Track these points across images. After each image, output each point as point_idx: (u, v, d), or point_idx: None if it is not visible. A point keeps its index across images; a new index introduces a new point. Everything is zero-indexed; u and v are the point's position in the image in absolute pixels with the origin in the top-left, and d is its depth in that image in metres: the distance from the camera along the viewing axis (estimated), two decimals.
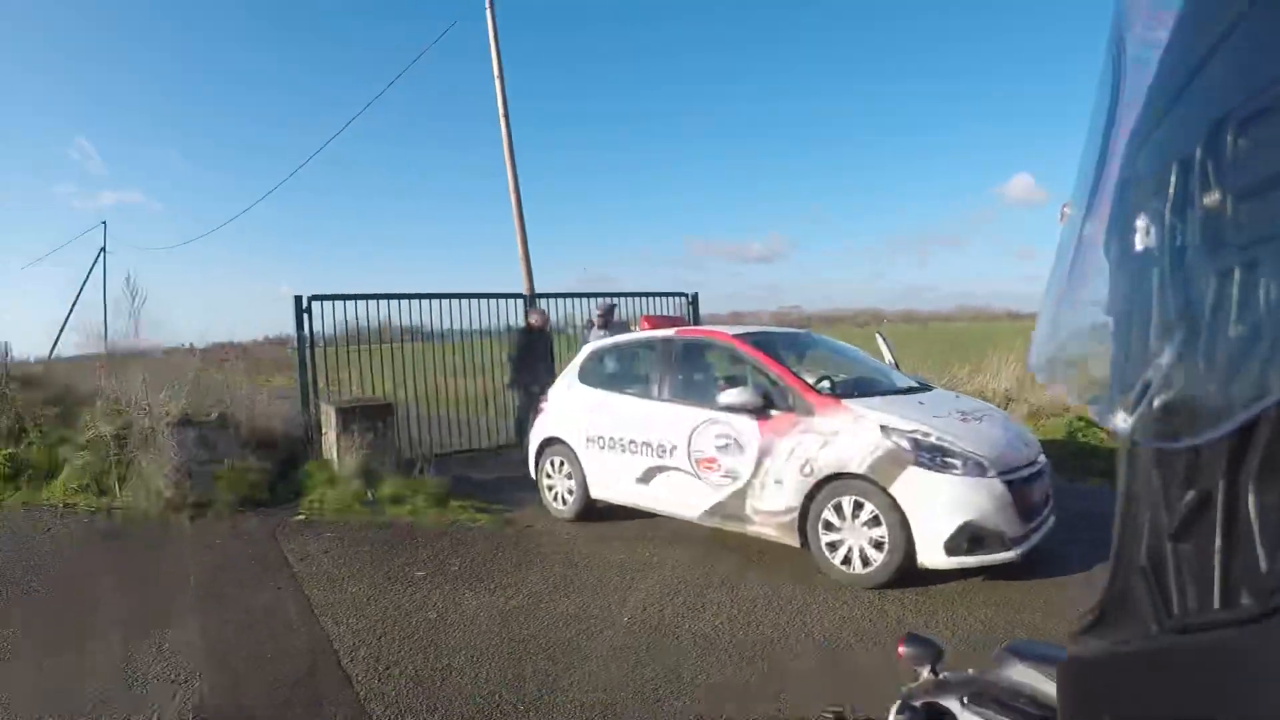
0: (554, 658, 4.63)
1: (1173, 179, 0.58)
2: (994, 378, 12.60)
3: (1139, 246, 0.61)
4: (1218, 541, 0.56)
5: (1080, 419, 11.01)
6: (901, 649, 2.22)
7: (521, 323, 11.55)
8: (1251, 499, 0.53)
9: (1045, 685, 1.78)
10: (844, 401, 6.08)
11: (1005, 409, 9.50)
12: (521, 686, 4.26)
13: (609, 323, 10.33)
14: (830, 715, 2.34)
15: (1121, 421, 0.60)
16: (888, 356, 8.35)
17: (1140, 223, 0.61)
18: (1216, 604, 0.56)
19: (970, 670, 2.20)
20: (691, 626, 5.09)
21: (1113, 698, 0.65)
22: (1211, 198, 0.54)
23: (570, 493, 7.77)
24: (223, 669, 4.50)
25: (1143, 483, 0.64)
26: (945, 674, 2.18)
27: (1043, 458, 6.27)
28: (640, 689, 4.25)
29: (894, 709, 2.07)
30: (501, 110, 13.82)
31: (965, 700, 1.98)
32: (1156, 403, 0.57)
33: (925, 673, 2.15)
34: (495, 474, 9.89)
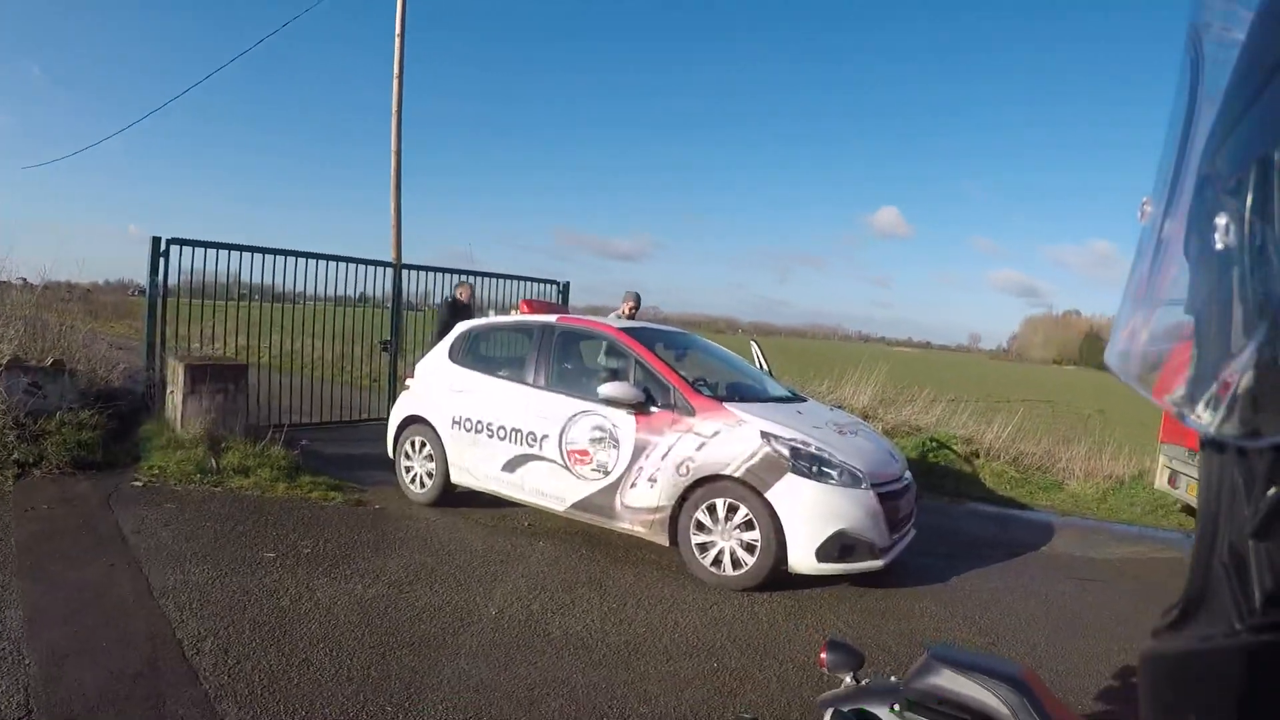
0: (420, 653, 4.38)
1: (1252, 178, 0.58)
2: (851, 395, 12.97)
3: (1219, 245, 0.61)
4: None
5: (932, 440, 11.48)
6: (824, 655, 2.26)
7: (447, 301, 10.95)
8: None
9: (972, 690, 1.91)
10: (725, 405, 6.06)
11: None
12: (387, 685, 4.00)
13: (635, 314, 9.94)
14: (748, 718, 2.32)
15: (1203, 419, 0.60)
16: (762, 364, 8.41)
17: (1220, 221, 0.61)
18: None
19: (893, 678, 2.21)
20: (562, 623, 4.96)
21: (1195, 693, 0.68)
22: None
23: (430, 476, 7.48)
24: (50, 659, 4.00)
25: (1224, 480, 0.65)
26: (868, 681, 2.21)
27: (909, 474, 6.48)
28: (514, 689, 4.07)
29: (827, 716, 2.08)
30: (397, 67, 13.21)
31: (895, 708, 2.02)
32: (1238, 400, 0.57)
33: (847, 679, 2.21)
34: (350, 449, 9.43)
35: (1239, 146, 0.61)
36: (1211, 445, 0.67)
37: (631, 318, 10.15)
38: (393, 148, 13.18)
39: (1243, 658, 0.62)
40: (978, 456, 11.52)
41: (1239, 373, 0.57)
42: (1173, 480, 9.43)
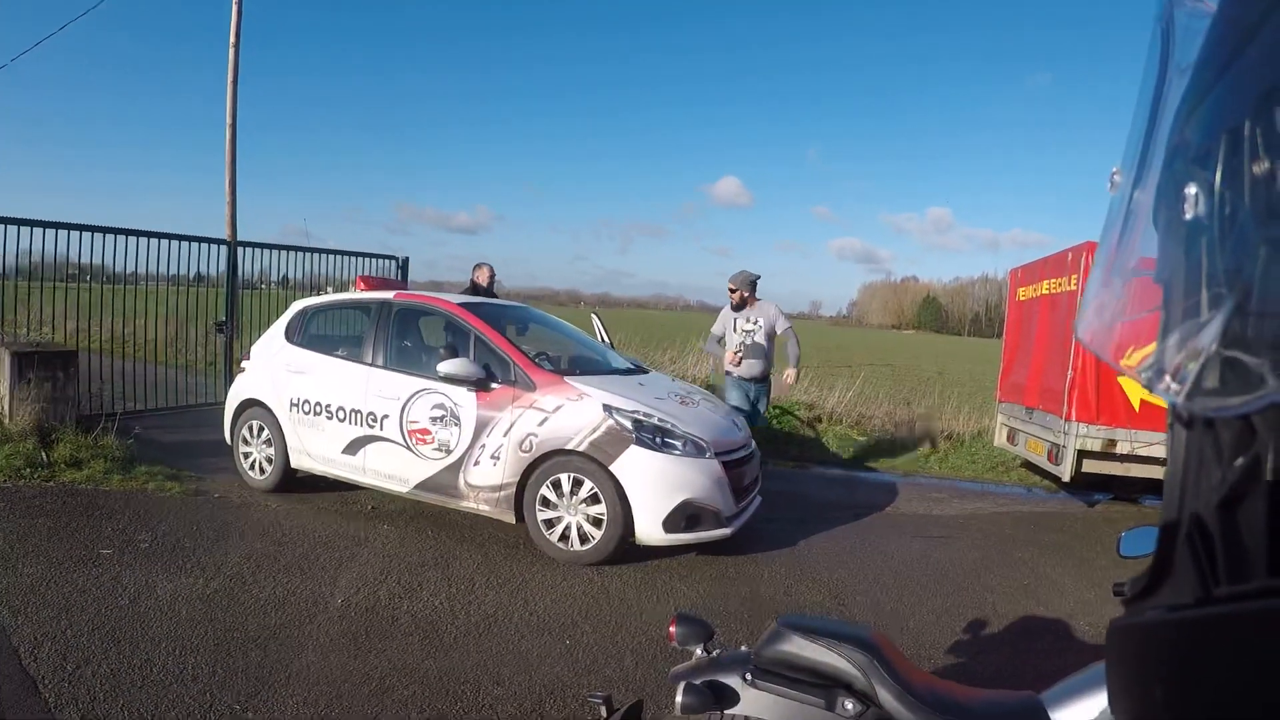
0: (266, 648, 4.16)
1: (1222, 148, 0.58)
2: (694, 365, 13.09)
3: (1189, 215, 0.62)
4: (1265, 509, 0.56)
5: (777, 408, 11.66)
6: (672, 629, 2.21)
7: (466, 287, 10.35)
8: None
9: (821, 655, 1.96)
10: (566, 379, 5.97)
11: None
12: (234, 683, 3.77)
13: (744, 303, 8.51)
14: (599, 701, 2.27)
15: (1171, 389, 0.60)
16: (603, 337, 8.38)
17: (1190, 191, 0.62)
18: (1263, 572, 0.56)
19: (744, 647, 2.18)
20: (410, 608, 4.81)
21: (1160, 663, 0.68)
22: (1261, 167, 0.55)
23: (269, 461, 7.15)
24: None
25: (1191, 450, 0.66)
26: (719, 652, 2.17)
27: (753, 442, 6.54)
28: (365, 678, 3.93)
29: (680, 690, 2.00)
30: (234, 34, 12.53)
31: (747, 677, 1.99)
32: (1206, 370, 0.57)
33: (698, 652, 2.17)
34: (187, 436, 8.96)
35: (1209, 116, 0.62)
36: (1179, 415, 0.68)
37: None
38: (228, 120, 12.57)
39: (1208, 628, 0.62)
40: (821, 421, 11.77)
41: (1207, 342, 0.57)
42: (1011, 437, 9.83)
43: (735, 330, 8.39)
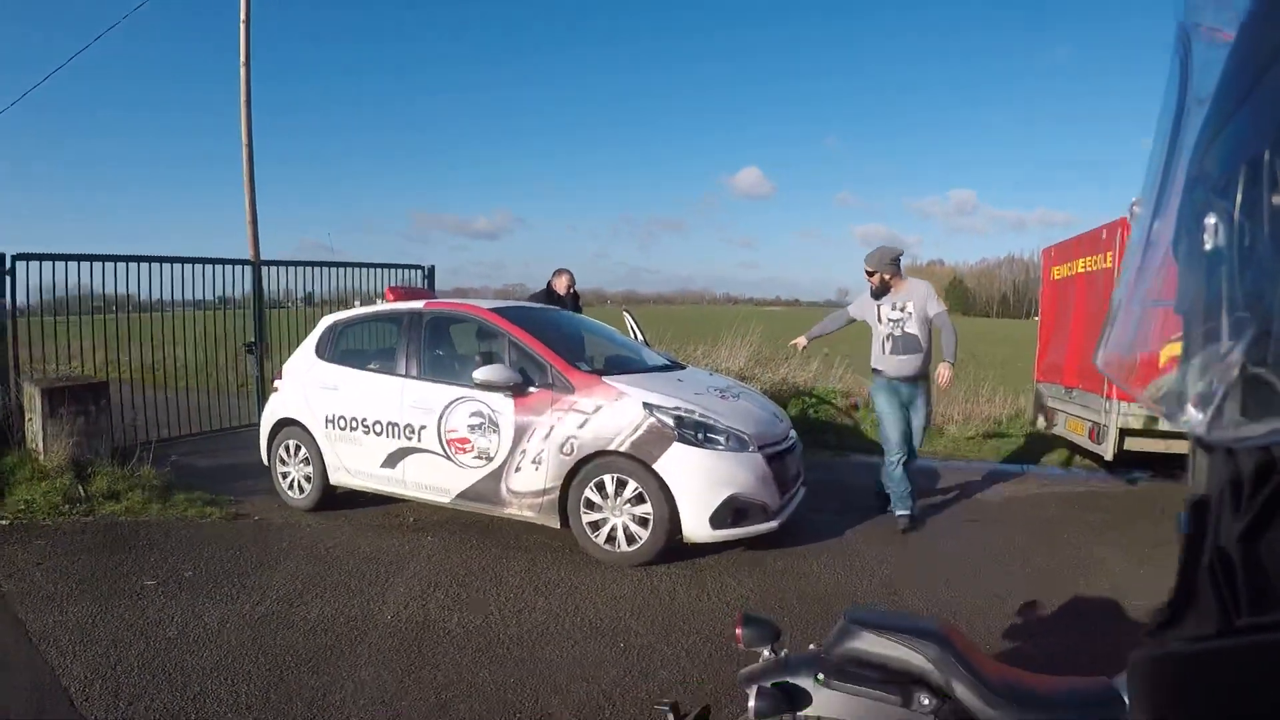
0: (319, 669, 4.12)
1: (1241, 178, 0.58)
2: (727, 358, 12.98)
3: (1208, 245, 0.61)
4: None
5: (813, 396, 11.58)
6: (739, 631, 2.15)
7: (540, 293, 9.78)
8: None
9: (894, 650, 1.92)
10: (604, 379, 5.93)
11: None
12: (289, 708, 3.74)
13: (887, 286, 6.96)
14: (665, 708, 2.23)
15: (1192, 420, 0.60)
16: (637, 335, 8.31)
17: (1209, 221, 0.61)
18: None
19: (812, 646, 2.13)
20: (461, 620, 4.76)
21: (1183, 694, 0.67)
22: None
23: (308, 480, 7.12)
24: None
25: (1213, 481, 0.65)
26: (786, 652, 2.12)
27: (794, 432, 6.50)
28: (421, 695, 3.88)
29: (752, 694, 1.97)
30: (243, 52, 12.58)
31: (820, 677, 1.96)
32: (1227, 401, 0.57)
33: (766, 653, 2.12)
34: (224, 460, 8.94)
35: (1228, 146, 0.61)
36: (1201, 445, 0.67)
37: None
38: (243, 140, 12.64)
39: (1231, 659, 0.61)
40: (857, 408, 11.66)
41: (1228, 373, 0.57)
42: (1050, 417, 9.72)
43: (880, 320, 6.94)
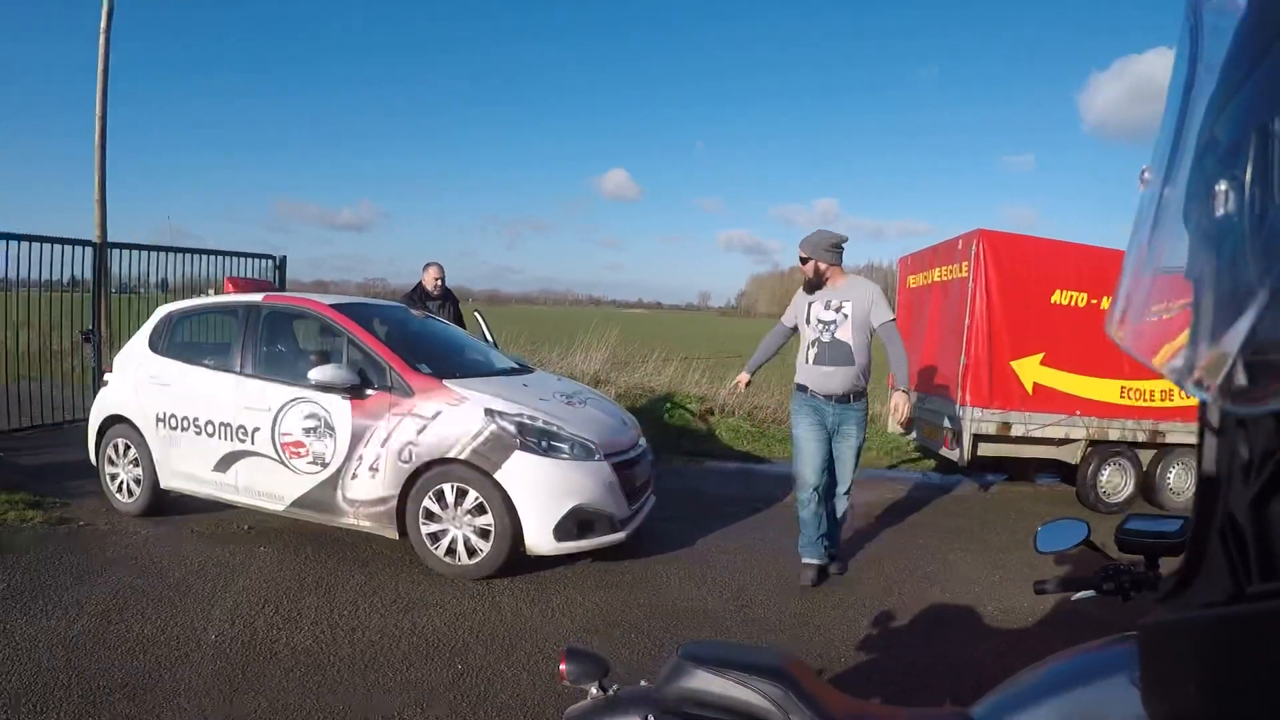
0: (135, 696, 3.75)
1: (1252, 146, 0.58)
2: (583, 361, 12.94)
3: (1219, 212, 0.62)
4: None
5: (668, 401, 11.53)
6: (563, 666, 1.95)
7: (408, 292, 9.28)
8: None
9: (732, 690, 1.76)
10: (445, 382, 5.68)
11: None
12: None
13: (821, 279, 5.72)
14: None
15: (1202, 387, 0.59)
16: (486, 336, 8.10)
17: (1220, 189, 0.61)
18: None
19: (644, 682, 1.96)
20: (290, 640, 4.45)
21: (1194, 659, 0.70)
22: None
23: (137, 482, 6.65)
24: None
25: (1223, 449, 0.66)
26: (617, 689, 1.95)
27: (643, 440, 6.36)
28: None
29: None
30: (104, 19, 11.86)
31: (649, 719, 1.80)
32: (1236, 368, 0.57)
33: (593, 690, 1.95)
34: (52, 457, 8.36)
35: (1239, 114, 0.61)
36: (1209, 413, 0.68)
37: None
38: (97, 111, 11.92)
39: (1242, 624, 0.62)
40: (713, 414, 11.69)
41: (1237, 340, 0.56)
42: (905, 422, 9.89)
43: (809, 321, 5.65)
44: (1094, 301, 8.05)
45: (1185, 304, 0.67)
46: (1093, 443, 8.28)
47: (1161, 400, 8.22)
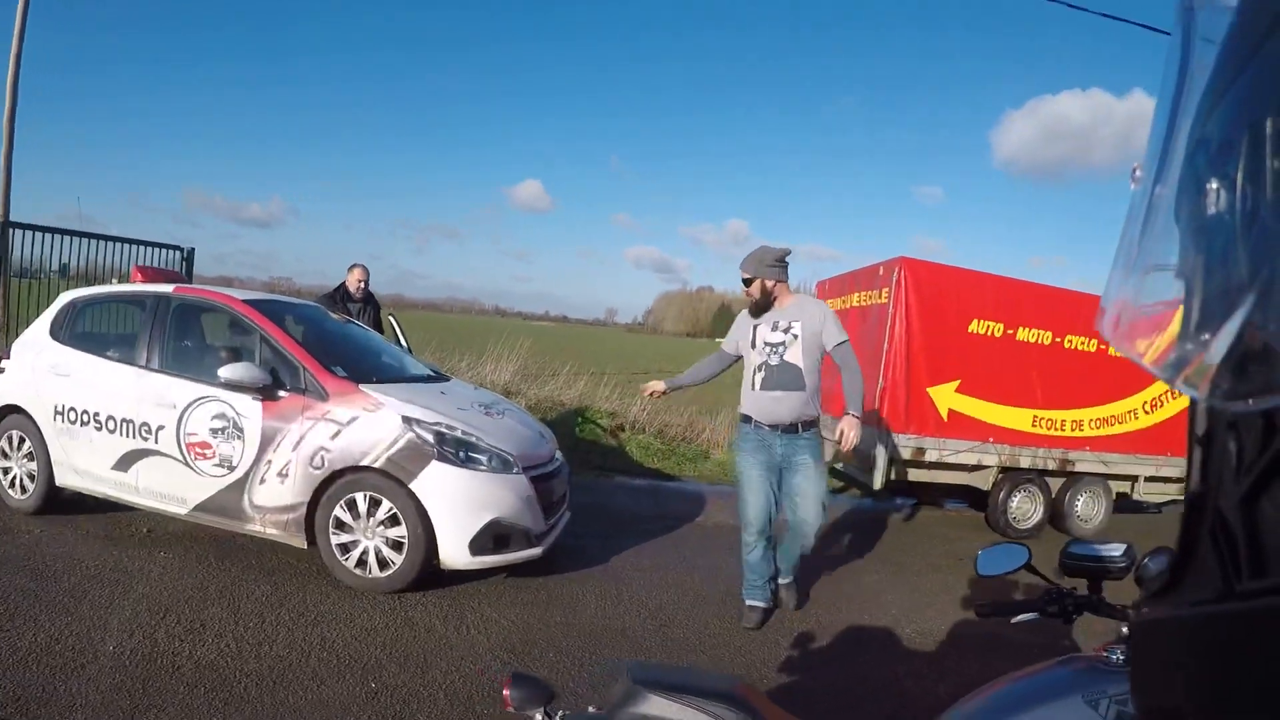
0: (27, 709, 3.52)
1: (1245, 144, 0.58)
2: (493, 372, 12.92)
3: (1210, 210, 0.62)
4: None
5: (580, 415, 11.48)
6: (507, 692, 1.84)
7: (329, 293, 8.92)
8: None
9: (689, 716, 1.69)
10: (362, 387, 5.51)
11: None
12: None
13: (769, 300, 5.33)
14: None
15: (1192, 385, 0.60)
16: (402, 342, 7.96)
17: (1211, 186, 0.62)
18: None
19: (592, 709, 1.89)
20: (193, 653, 4.22)
21: (1183, 658, 0.71)
22: None
23: (31, 478, 6.31)
24: None
25: (1214, 447, 0.66)
26: (563, 715, 1.87)
27: (560, 453, 6.31)
28: None
29: None
30: None
31: None
32: (1229, 366, 0.57)
33: (538, 717, 1.86)
34: None
35: (1231, 112, 0.62)
36: (1199, 410, 0.68)
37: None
38: (9, 79, 11.41)
39: (1231, 623, 0.63)
40: (623, 430, 11.67)
41: (1230, 338, 0.56)
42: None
43: (755, 345, 5.31)
44: (1010, 331, 8.25)
45: (1176, 302, 0.67)
46: (1004, 469, 8.47)
47: (1072, 430, 8.45)
